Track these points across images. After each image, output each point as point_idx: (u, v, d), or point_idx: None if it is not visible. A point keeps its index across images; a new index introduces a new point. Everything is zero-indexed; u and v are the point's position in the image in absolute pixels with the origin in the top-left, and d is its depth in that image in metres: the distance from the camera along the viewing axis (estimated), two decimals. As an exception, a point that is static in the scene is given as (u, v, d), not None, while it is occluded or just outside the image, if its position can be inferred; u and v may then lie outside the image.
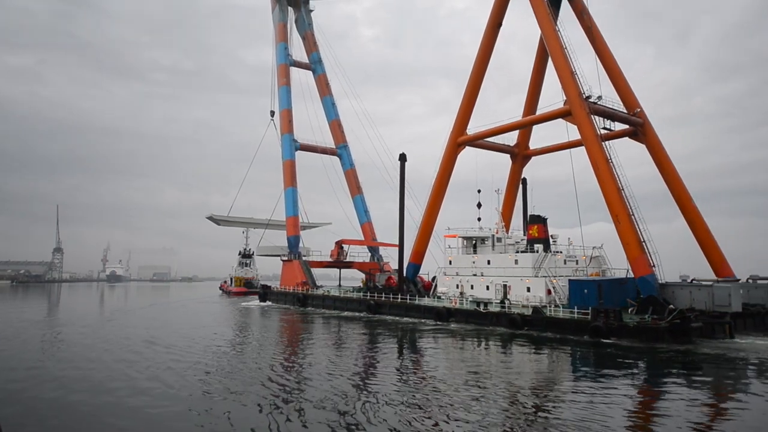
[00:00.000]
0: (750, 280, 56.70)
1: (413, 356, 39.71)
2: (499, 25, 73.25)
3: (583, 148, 59.86)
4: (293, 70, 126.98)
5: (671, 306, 46.78)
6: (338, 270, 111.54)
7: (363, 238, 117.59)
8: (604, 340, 43.33)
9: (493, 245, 68.30)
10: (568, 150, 71.72)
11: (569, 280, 53.87)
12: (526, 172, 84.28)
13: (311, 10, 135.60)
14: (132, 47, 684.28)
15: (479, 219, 73.70)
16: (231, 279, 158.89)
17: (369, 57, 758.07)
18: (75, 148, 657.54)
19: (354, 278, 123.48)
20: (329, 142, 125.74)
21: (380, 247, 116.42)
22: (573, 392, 26.35)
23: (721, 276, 59.74)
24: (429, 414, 21.77)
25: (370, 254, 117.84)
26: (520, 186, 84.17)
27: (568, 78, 59.83)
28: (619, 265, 61.44)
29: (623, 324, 43.69)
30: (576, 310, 47.96)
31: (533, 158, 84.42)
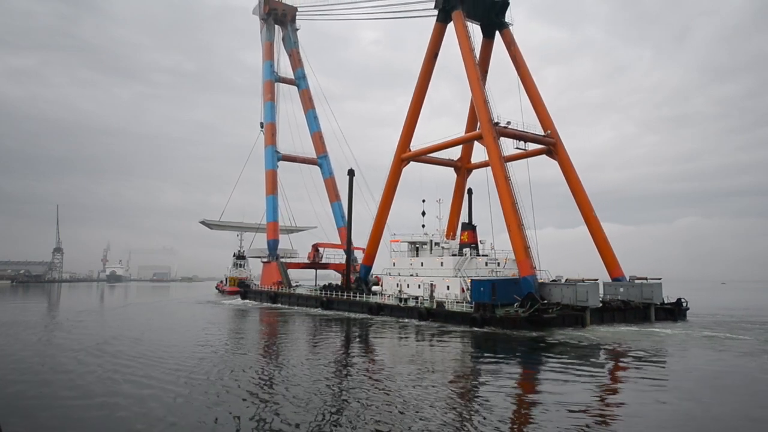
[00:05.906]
0: (629, 279, 65.93)
1: (335, 339, 49.99)
2: (436, 55, 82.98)
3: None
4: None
5: (545, 301, 56.35)
6: (314, 271, 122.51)
7: (340, 242, 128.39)
8: (479, 329, 53.30)
9: (431, 249, 78.11)
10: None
11: (471, 279, 63.46)
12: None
13: (297, 29, 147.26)
14: (133, 49, 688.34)
15: (423, 225, 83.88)
16: (226, 279, 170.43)
17: (370, 59, 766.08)
18: (75, 149, 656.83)
19: (335, 278, 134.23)
20: (316, 147, 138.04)
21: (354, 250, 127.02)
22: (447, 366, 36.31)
23: (613, 276, 68.96)
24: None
25: (345, 256, 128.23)
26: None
27: (481, 105, 69.40)
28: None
29: (493, 315, 53.57)
30: (464, 305, 57.91)
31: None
